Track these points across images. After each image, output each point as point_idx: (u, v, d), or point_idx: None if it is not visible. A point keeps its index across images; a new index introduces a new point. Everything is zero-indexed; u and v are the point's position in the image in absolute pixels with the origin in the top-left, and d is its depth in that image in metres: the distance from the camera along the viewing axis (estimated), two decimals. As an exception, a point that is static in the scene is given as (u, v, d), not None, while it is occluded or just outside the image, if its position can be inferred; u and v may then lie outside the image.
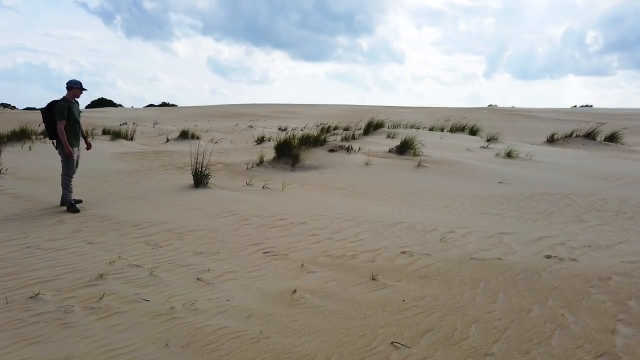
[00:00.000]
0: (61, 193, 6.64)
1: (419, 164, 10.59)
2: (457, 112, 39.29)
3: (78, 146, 6.69)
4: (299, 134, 13.30)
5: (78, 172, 9.24)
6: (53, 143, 6.63)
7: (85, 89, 6.65)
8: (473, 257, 4.92)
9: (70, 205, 6.44)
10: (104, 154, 11.78)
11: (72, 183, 6.55)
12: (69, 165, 6.54)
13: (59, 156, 6.57)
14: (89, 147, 7.09)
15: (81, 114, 6.80)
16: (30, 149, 11.83)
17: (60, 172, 6.63)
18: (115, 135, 15.50)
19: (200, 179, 8.29)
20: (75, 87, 6.53)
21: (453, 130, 19.27)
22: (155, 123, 28.05)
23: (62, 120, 6.33)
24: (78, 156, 6.75)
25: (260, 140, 15.45)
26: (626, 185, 8.90)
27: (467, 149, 13.41)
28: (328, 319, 3.56)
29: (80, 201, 6.78)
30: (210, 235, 5.61)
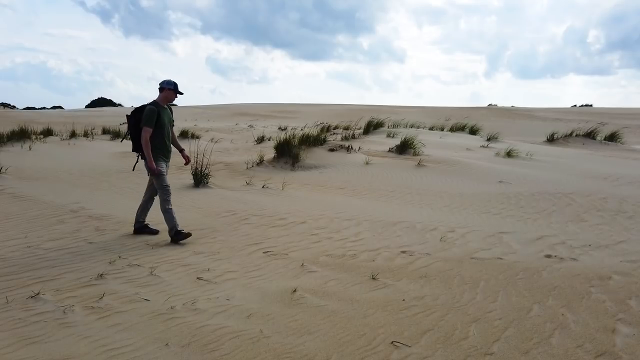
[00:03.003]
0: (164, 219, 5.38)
1: (419, 164, 10.58)
2: (457, 111, 39.28)
3: (167, 161, 5.52)
4: (299, 133, 13.29)
5: (78, 172, 9.27)
6: (137, 157, 5.52)
7: (181, 92, 5.50)
8: (473, 257, 4.92)
9: (176, 233, 5.27)
10: (104, 154, 11.78)
11: (171, 205, 5.34)
12: (161, 184, 5.33)
13: (145, 170, 5.42)
14: (187, 161, 5.86)
15: (168, 121, 5.51)
16: (30, 148, 11.82)
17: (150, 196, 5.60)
18: (115, 134, 15.49)
19: (200, 179, 8.29)
20: (168, 89, 5.38)
21: (453, 129, 19.26)
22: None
23: (148, 128, 5.21)
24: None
25: (260, 139, 15.45)
26: (626, 185, 8.90)
27: (467, 149, 13.40)
28: (328, 318, 3.55)
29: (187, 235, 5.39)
30: (211, 234, 5.61)
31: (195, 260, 4.77)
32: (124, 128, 18.74)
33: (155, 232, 5.57)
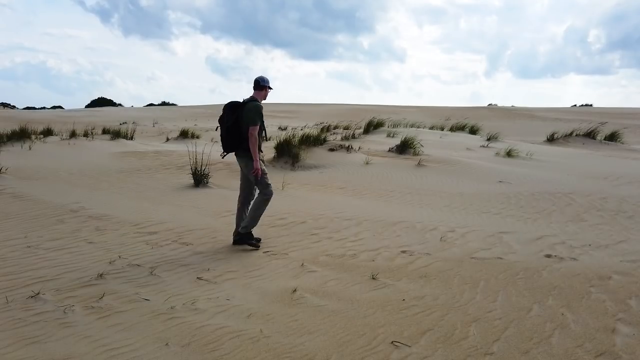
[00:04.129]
0: (245, 220, 5.16)
1: (419, 163, 10.58)
2: (457, 111, 39.29)
3: (263, 159, 5.29)
4: (299, 133, 13.29)
5: (78, 171, 9.27)
6: (222, 155, 5.26)
7: (271, 88, 5.29)
8: (473, 257, 4.92)
9: (248, 234, 5.16)
10: (104, 154, 11.78)
11: (265, 210, 5.20)
12: (266, 183, 5.12)
13: (246, 170, 5.10)
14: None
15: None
16: (30, 148, 11.82)
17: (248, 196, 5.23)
18: (115, 134, 15.49)
19: (200, 178, 8.29)
20: (267, 86, 5.17)
21: (453, 129, 19.28)
22: (155, 122, 28.05)
23: (256, 126, 4.95)
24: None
25: (260, 139, 15.42)
26: (626, 185, 8.90)
27: (467, 148, 13.41)
28: (328, 318, 3.55)
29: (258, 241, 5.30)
30: (211, 234, 5.61)
31: (195, 260, 4.77)
32: (124, 128, 18.76)
33: (256, 245, 5.18)
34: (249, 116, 4.95)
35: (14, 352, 3.04)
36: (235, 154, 5.17)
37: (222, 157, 5.40)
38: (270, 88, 5.24)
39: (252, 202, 5.22)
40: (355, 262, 4.76)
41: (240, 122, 4.98)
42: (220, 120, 5.13)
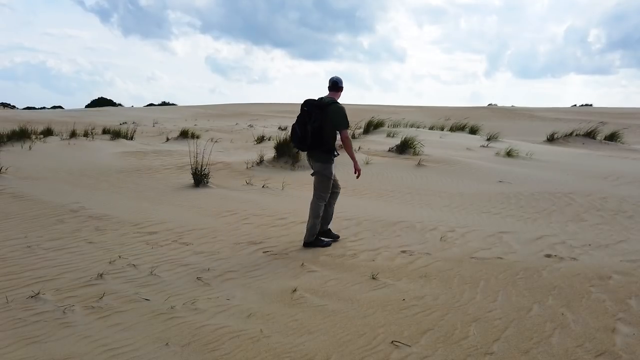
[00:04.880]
0: (309, 224, 5.22)
1: (419, 163, 10.58)
2: (457, 111, 39.28)
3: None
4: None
5: (78, 171, 9.27)
6: (310, 159, 5.18)
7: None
8: (473, 256, 4.92)
9: (317, 238, 5.22)
10: (104, 153, 11.78)
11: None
12: (328, 187, 5.19)
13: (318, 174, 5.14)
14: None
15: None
16: (30, 148, 11.82)
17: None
18: (115, 134, 15.48)
19: (200, 178, 8.29)
20: (342, 87, 5.15)
21: (453, 129, 19.27)
22: (155, 122, 28.04)
23: (348, 129, 5.01)
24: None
25: (260, 139, 15.46)
26: (626, 184, 8.90)
27: (467, 148, 13.41)
28: (328, 318, 3.55)
29: (336, 237, 5.40)
30: (211, 234, 5.61)
31: (195, 260, 4.77)
32: (124, 128, 18.75)
33: (328, 244, 5.26)
34: (338, 119, 4.91)
35: (14, 352, 3.04)
36: (309, 154, 5.14)
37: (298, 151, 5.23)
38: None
39: (311, 211, 5.21)
40: (355, 262, 4.76)
41: (323, 123, 4.90)
42: (301, 118, 4.96)
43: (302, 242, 5.24)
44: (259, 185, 8.46)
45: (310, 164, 5.23)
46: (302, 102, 5.06)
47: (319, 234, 5.28)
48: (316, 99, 5.05)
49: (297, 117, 5.01)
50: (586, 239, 5.57)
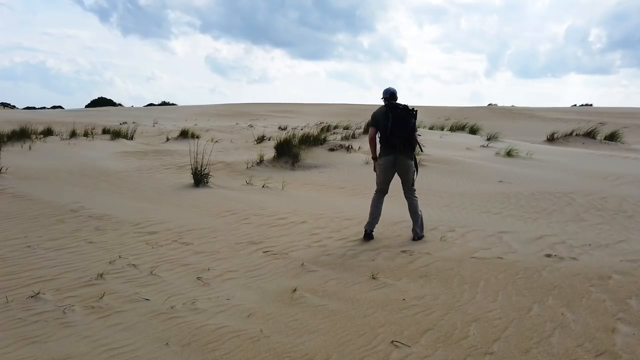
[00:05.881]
0: (416, 221, 5.60)
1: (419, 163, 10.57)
2: (457, 111, 39.27)
3: None
4: (299, 133, 13.29)
5: (78, 171, 9.27)
6: (410, 156, 5.61)
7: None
8: (473, 256, 4.92)
9: (416, 231, 5.58)
10: (104, 153, 11.78)
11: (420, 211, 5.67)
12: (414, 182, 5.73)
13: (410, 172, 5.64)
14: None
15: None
16: (30, 148, 11.82)
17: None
18: (116, 134, 15.48)
19: (200, 178, 8.29)
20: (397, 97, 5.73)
21: (453, 129, 19.28)
22: (155, 122, 28.03)
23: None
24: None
25: (260, 139, 15.45)
26: (626, 184, 8.90)
27: (467, 148, 13.41)
28: (328, 318, 3.56)
29: (370, 235, 5.62)
30: (211, 234, 5.61)
31: (195, 260, 4.77)
32: (124, 128, 18.75)
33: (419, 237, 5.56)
34: (415, 124, 5.52)
35: (14, 352, 3.04)
36: (402, 153, 5.50)
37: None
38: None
39: (413, 209, 5.61)
40: (356, 262, 4.76)
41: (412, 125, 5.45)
42: (398, 119, 5.35)
43: (414, 238, 5.53)
44: (259, 185, 8.46)
45: (389, 164, 5.58)
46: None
47: (367, 234, 5.55)
48: (400, 103, 5.53)
49: (394, 119, 5.34)
50: (586, 239, 5.57)
